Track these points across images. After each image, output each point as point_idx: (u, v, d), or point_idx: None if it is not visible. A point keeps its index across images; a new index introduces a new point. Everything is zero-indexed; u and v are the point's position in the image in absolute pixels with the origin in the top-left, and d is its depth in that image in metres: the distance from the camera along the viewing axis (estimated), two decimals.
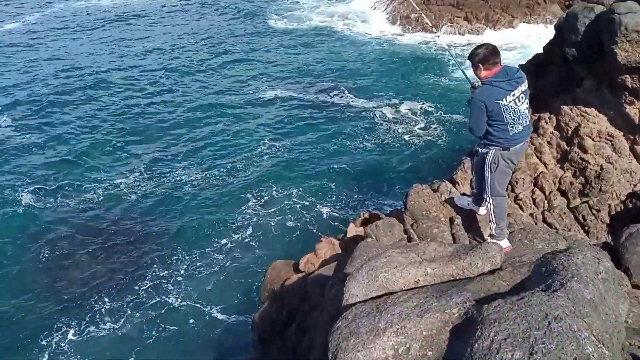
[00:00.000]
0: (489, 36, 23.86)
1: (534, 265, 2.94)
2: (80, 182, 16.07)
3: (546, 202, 9.65)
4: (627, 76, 9.08)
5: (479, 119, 5.08)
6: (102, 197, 15.36)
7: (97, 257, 13.31)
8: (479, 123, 5.12)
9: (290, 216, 14.56)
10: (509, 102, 4.98)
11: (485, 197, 5.62)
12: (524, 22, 24.91)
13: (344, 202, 14.97)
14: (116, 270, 12.91)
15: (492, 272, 3.17)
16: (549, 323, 2.21)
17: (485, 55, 4.99)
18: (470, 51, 5.24)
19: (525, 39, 23.85)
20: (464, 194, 7.82)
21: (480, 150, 5.45)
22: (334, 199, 15.10)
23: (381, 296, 3.35)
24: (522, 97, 5.06)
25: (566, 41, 9.91)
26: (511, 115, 5.04)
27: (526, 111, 5.22)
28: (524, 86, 5.11)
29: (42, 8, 32.22)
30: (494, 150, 5.29)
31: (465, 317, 2.60)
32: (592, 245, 4.01)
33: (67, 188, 15.80)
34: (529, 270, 2.98)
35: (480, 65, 5.00)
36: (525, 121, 5.24)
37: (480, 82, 5.20)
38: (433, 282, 3.28)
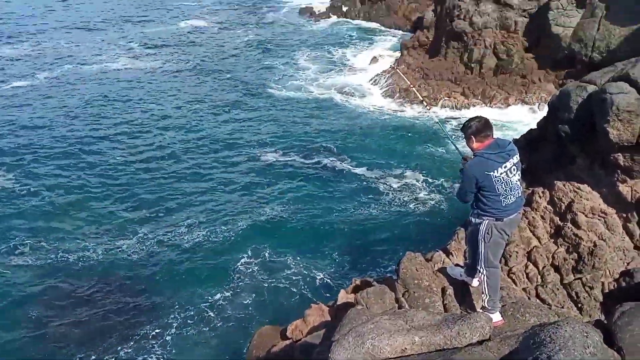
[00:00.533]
0: (484, 111, 24.55)
1: (522, 337, 2.87)
2: (67, 238, 15.96)
3: (539, 277, 9.55)
4: (620, 154, 9.27)
5: (467, 189, 5.20)
6: (92, 255, 15.19)
7: (83, 315, 13.04)
8: (466, 193, 5.24)
9: (282, 279, 14.34)
10: (500, 173, 5.07)
11: (479, 268, 5.57)
12: (519, 99, 25.68)
13: (337, 267, 14.80)
14: (104, 328, 12.61)
15: (480, 342, 3.09)
16: None
17: (478, 128, 5.12)
18: (463, 123, 5.37)
19: (520, 116, 24.55)
20: (457, 265, 7.76)
21: (473, 220, 5.48)
22: (327, 264, 14.94)
23: None
24: (513, 169, 5.15)
25: (559, 119, 10.19)
26: (503, 187, 5.11)
27: (518, 183, 5.30)
28: (516, 158, 5.21)
29: (52, 69, 33.18)
30: (487, 221, 5.31)
31: None
32: (582, 322, 3.93)
33: (53, 244, 15.68)
34: (517, 342, 2.91)
35: (472, 137, 5.13)
36: (518, 192, 5.31)
37: (472, 154, 5.32)
38: (420, 351, 3.20)
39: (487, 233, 5.34)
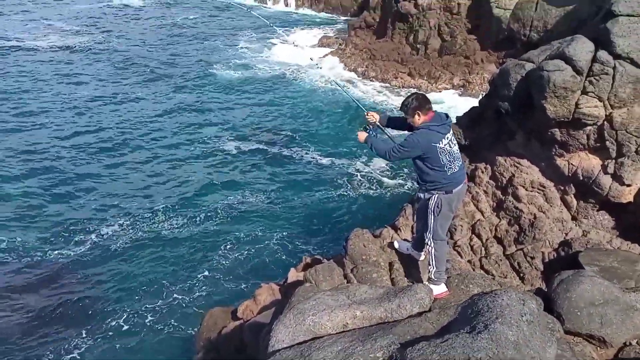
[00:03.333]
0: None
1: (461, 307, 2.88)
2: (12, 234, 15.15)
3: (483, 249, 9.83)
4: (556, 130, 9.57)
5: (405, 155, 5.23)
6: (41, 251, 14.62)
7: (31, 311, 12.59)
8: (402, 156, 5.25)
9: (233, 261, 14.22)
10: (444, 145, 5.19)
11: (427, 241, 5.67)
12: (463, 79, 26.22)
13: (288, 248, 14.79)
14: (53, 322, 12.34)
15: (420, 314, 3.09)
16: None
17: (421, 103, 5.20)
18: (401, 103, 5.37)
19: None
20: (404, 240, 7.87)
21: (423, 195, 5.56)
22: (278, 245, 14.89)
23: (308, 341, 3.18)
24: (453, 140, 5.31)
25: (499, 96, 10.41)
26: (447, 157, 5.23)
27: (458, 152, 5.44)
28: (451, 129, 5.39)
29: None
30: (437, 195, 5.41)
31: None
32: (520, 290, 4.03)
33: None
34: (456, 312, 2.92)
35: (418, 112, 5.18)
36: (459, 162, 5.44)
37: (415, 128, 5.30)
38: (362, 325, 3.16)
39: (437, 207, 5.44)
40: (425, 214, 5.60)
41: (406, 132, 5.53)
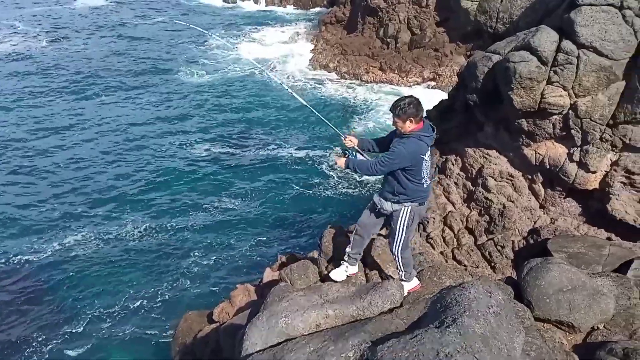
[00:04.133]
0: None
1: (430, 302, 2.91)
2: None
3: (455, 240, 9.97)
4: (523, 120, 9.75)
5: (393, 166, 4.91)
6: (18, 256, 14.25)
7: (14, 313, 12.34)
8: (390, 168, 4.92)
9: (208, 264, 14.06)
10: (428, 156, 4.98)
11: (395, 253, 5.32)
12: (433, 72, 26.48)
13: (263, 248, 14.71)
14: (24, 328, 12.04)
15: (391, 310, 3.11)
16: None
17: (417, 109, 4.84)
18: (393, 103, 5.01)
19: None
20: (379, 235, 7.78)
21: (391, 207, 5.18)
22: (253, 246, 14.80)
23: (281, 343, 3.18)
24: (429, 150, 5.06)
25: (467, 88, 10.54)
26: (426, 170, 5.01)
27: (430, 163, 5.21)
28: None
29: None
30: (409, 207, 5.11)
31: None
32: (491, 280, 4.12)
33: None
34: (425, 307, 2.95)
35: (412, 118, 4.84)
36: (431, 173, 5.24)
37: (403, 134, 4.98)
38: (334, 324, 3.17)
39: (410, 219, 5.15)
40: (396, 227, 5.21)
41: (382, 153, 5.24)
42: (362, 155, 5.49)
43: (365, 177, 18.22)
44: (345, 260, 5.59)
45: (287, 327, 3.12)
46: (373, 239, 7.23)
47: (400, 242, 5.21)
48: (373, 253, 7.02)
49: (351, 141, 5.39)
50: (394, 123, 4.98)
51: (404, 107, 4.83)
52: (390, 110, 5.04)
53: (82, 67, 28.70)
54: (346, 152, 5.42)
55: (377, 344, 2.55)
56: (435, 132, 5.03)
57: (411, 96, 5.05)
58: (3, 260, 14.08)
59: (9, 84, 26.17)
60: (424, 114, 4.97)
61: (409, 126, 4.87)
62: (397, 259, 5.37)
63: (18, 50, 31.05)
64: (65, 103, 24.17)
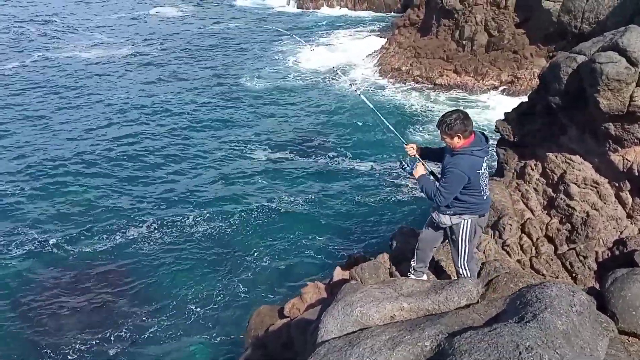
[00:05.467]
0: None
1: (509, 299, 2.88)
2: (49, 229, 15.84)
3: (533, 248, 9.60)
4: (610, 124, 9.23)
5: (454, 191, 4.82)
6: (86, 247, 15.16)
7: (76, 304, 13.10)
8: (452, 194, 4.84)
9: (278, 262, 14.43)
10: (484, 169, 4.89)
11: (461, 268, 5.28)
12: (511, 75, 25.59)
13: (333, 248, 14.88)
14: (100, 320, 12.67)
15: (467, 306, 3.10)
16: (520, 353, 2.14)
17: (465, 124, 4.73)
18: (440, 119, 4.93)
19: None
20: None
21: (449, 220, 5.11)
22: (323, 245, 15.01)
23: (356, 331, 3.26)
24: (486, 161, 4.98)
25: (550, 90, 10.14)
26: (485, 182, 4.94)
27: (487, 173, 5.13)
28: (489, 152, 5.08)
29: (20, 58, 32.31)
30: (470, 220, 5.03)
31: (438, 350, 2.52)
32: (571, 284, 3.95)
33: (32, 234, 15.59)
34: (504, 304, 2.92)
35: (460, 135, 4.74)
36: (489, 183, 5.19)
37: (453, 150, 4.93)
38: (409, 317, 3.20)
39: (472, 231, 5.08)
40: (457, 241, 5.17)
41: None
42: (422, 164, 5.38)
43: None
44: (411, 273, 5.62)
45: (363, 316, 3.20)
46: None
47: (464, 256, 5.18)
48: (445, 255, 6.95)
49: (412, 149, 5.34)
50: (442, 139, 4.89)
51: (451, 124, 4.71)
52: (437, 126, 4.94)
53: (154, 73, 30.38)
54: (405, 161, 5.41)
55: (453, 335, 2.57)
56: (488, 141, 4.91)
57: (458, 110, 4.95)
58: (68, 252, 14.91)
59: (88, 85, 28.31)
60: (472, 127, 4.81)
61: (457, 142, 4.77)
62: (463, 272, 5.29)
63: (97, 55, 33.42)
64: (134, 105, 25.73)
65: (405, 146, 5.41)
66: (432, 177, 5.25)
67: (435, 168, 5.56)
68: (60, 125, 23.28)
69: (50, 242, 15.24)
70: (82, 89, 27.69)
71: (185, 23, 41.80)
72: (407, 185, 17.67)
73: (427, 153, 5.43)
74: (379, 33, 35.35)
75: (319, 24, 39.94)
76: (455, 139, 4.74)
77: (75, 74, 29.89)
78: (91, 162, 19.95)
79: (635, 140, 9.12)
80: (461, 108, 5.15)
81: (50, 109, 25.03)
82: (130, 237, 15.53)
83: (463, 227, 5.02)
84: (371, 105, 6.45)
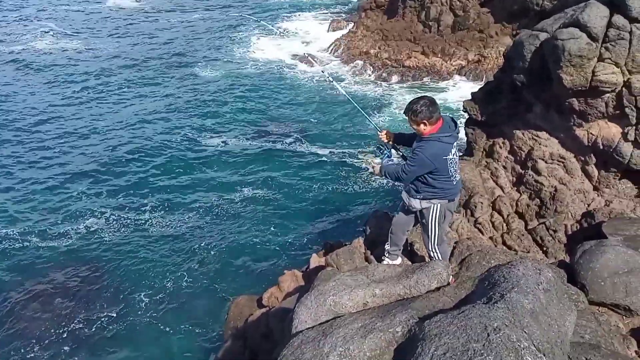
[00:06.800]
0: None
1: (478, 280, 2.91)
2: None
3: (505, 224, 9.78)
4: (574, 99, 9.40)
5: (417, 173, 4.86)
6: (57, 242, 14.90)
7: (51, 302, 12.86)
8: (413, 176, 4.89)
9: (255, 252, 14.38)
10: (453, 155, 4.90)
11: (431, 251, 5.35)
12: (478, 54, 25.81)
13: (309, 235, 14.90)
14: (75, 310, 12.53)
15: (438, 289, 3.13)
16: (488, 334, 2.16)
17: (430, 111, 4.71)
18: (407, 106, 4.89)
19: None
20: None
21: (419, 204, 5.14)
22: (299, 233, 15.01)
23: (329, 320, 3.26)
24: (456, 146, 4.99)
25: (514, 68, 10.25)
26: (453, 167, 4.95)
27: (457, 158, 5.15)
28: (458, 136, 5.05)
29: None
30: (439, 204, 5.08)
31: (409, 335, 2.53)
32: (543, 262, 4.03)
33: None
34: (473, 285, 2.95)
35: (426, 122, 4.72)
36: (459, 168, 5.21)
37: (421, 137, 4.93)
38: (382, 303, 3.22)
39: (442, 216, 5.14)
40: (427, 225, 5.23)
41: None
42: (397, 151, 5.43)
43: None
44: (385, 257, 5.66)
45: (335, 305, 3.20)
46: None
47: (435, 239, 5.25)
48: (419, 236, 7.02)
49: (387, 136, 5.36)
50: (410, 126, 4.87)
51: (416, 110, 4.70)
52: (404, 113, 4.92)
53: (107, 63, 29.37)
54: (381, 147, 5.38)
55: (424, 319, 2.58)
56: (457, 126, 4.90)
57: (425, 97, 4.92)
58: (29, 245, 14.69)
59: (40, 78, 27.40)
60: (439, 113, 4.80)
61: (424, 129, 4.76)
62: (434, 255, 5.36)
63: (50, 47, 32.15)
64: (89, 96, 25.08)
65: (379, 134, 5.42)
66: (402, 160, 5.26)
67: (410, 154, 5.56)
68: (5, 116, 22.53)
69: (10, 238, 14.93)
70: (31, 80, 26.85)
71: (144, 13, 40.47)
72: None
73: (401, 139, 5.44)
74: (345, 17, 35.09)
75: (284, 6, 39.41)
76: (422, 125, 4.73)
77: (27, 65, 28.92)
78: (43, 157, 19.41)
79: (599, 114, 9.32)
80: (429, 91, 5.11)
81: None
82: (95, 232, 15.26)
83: (433, 211, 5.06)
84: (344, 92, 6.42)
